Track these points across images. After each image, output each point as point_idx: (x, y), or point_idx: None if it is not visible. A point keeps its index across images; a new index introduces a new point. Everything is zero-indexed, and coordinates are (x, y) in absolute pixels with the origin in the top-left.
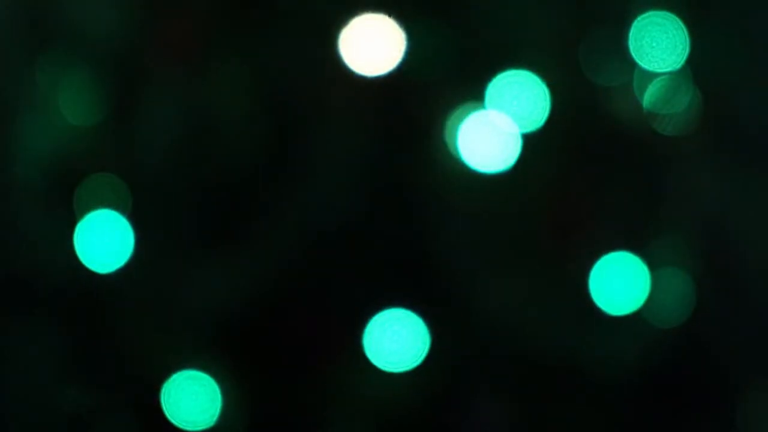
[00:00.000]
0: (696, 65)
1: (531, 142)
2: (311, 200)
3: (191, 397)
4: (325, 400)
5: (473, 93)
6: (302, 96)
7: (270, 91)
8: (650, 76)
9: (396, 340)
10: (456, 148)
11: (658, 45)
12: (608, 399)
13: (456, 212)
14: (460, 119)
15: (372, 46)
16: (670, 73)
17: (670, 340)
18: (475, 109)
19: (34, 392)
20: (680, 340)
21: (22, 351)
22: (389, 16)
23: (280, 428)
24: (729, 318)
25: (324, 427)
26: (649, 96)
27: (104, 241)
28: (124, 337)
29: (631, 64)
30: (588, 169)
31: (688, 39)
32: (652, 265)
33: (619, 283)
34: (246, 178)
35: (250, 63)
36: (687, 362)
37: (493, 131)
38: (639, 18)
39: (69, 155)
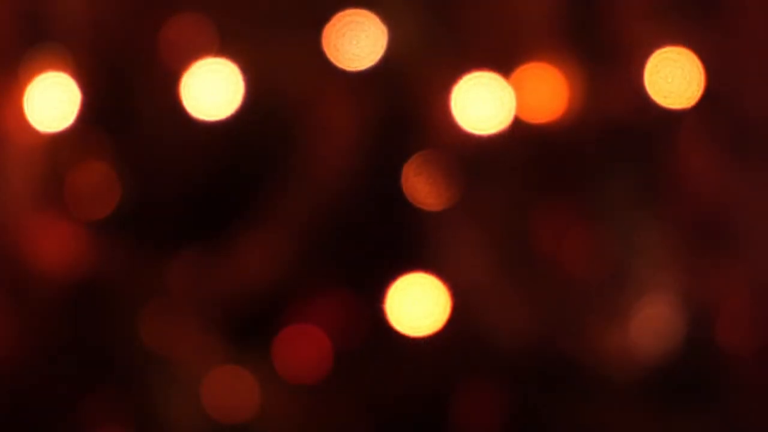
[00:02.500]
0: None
1: (525, 137)
2: (306, 194)
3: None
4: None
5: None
6: (291, 91)
7: (260, 89)
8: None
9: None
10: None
11: None
12: (608, 396)
13: (451, 204)
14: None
15: (355, 41)
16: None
17: (669, 338)
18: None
19: (34, 388)
20: (680, 338)
21: (22, 345)
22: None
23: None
24: (727, 314)
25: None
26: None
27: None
28: (124, 331)
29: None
30: (583, 167)
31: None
32: (650, 261)
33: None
34: (244, 171)
35: (240, 61)
36: (687, 360)
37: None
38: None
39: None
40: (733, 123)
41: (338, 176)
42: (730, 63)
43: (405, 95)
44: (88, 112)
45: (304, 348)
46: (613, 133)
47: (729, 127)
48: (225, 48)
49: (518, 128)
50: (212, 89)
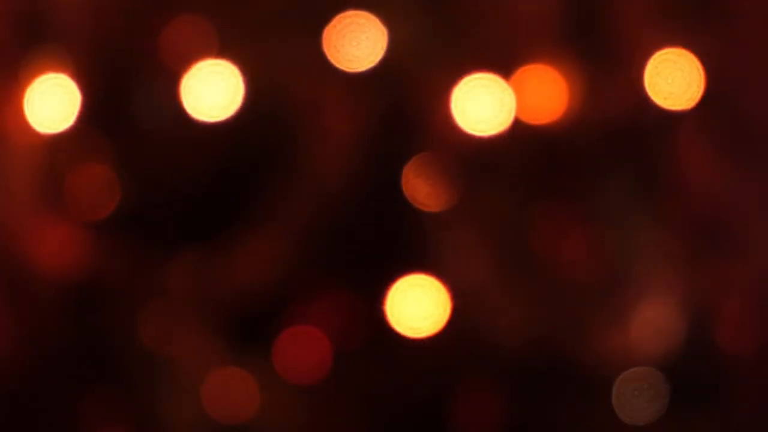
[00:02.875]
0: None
1: (525, 138)
2: (306, 195)
3: None
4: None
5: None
6: (291, 92)
7: (260, 90)
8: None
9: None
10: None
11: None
12: (609, 396)
13: (451, 205)
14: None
15: (355, 42)
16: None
17: (669, 338)
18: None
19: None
20: (680, 338)
21: (22, 345)
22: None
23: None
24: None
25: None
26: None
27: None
28: (124, 332)
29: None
30: (581, 168)
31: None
32: (650, 262)
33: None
34: (244, 173)
35: (240, 62)
36: (687, 361)
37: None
38: None
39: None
40: (733, 124)
41: (338, 177)
42: (730, 64)
43: (405, 96)
44: (88, 114)
45: (304, 349)
46: (613, 135)
47: (729, 129)
48: (225, 49)
49: (518, 130)
50: (212, 91)
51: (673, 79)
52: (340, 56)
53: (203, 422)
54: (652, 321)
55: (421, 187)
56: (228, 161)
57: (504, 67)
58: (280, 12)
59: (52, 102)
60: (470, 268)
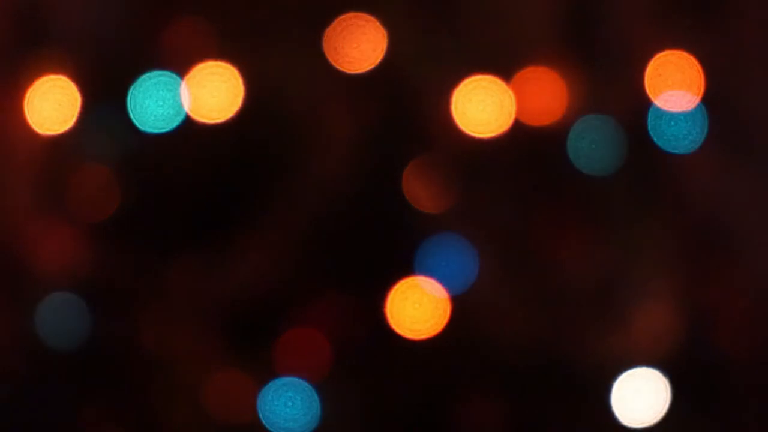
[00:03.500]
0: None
1: (525, 140)
2: (306, 197)
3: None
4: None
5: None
6: (291, 94)
7: (261, 92)
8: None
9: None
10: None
11: None
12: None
13: (451, 207)
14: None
15: (355, 44)
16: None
17: (669, 341)
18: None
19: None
20: (680, 341)
21: (22, 347)
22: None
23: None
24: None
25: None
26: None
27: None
28: (124, 334)
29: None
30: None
31: None
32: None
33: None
34: (245, 174)
35: (241, 64)
36: (687, 363)
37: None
38: None
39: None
40: (733, 126)
41: (338, 179)
42: (730, 66)
43: (405, 98)
44: (88, 114)
45: (305, 351)
46: (612, 137)
47: (729, 130)
48: (225, 51)
49: (518, 132)
50: (213, 92)
51: (674, 81)
52: (340, 58)
53: (203, 423)
54: (652, 322)
55: (422, 189)
56: (228, 163)
57: (504, 70)
58: (281, 14)
59: (53, 103)
60: (470, 271)
